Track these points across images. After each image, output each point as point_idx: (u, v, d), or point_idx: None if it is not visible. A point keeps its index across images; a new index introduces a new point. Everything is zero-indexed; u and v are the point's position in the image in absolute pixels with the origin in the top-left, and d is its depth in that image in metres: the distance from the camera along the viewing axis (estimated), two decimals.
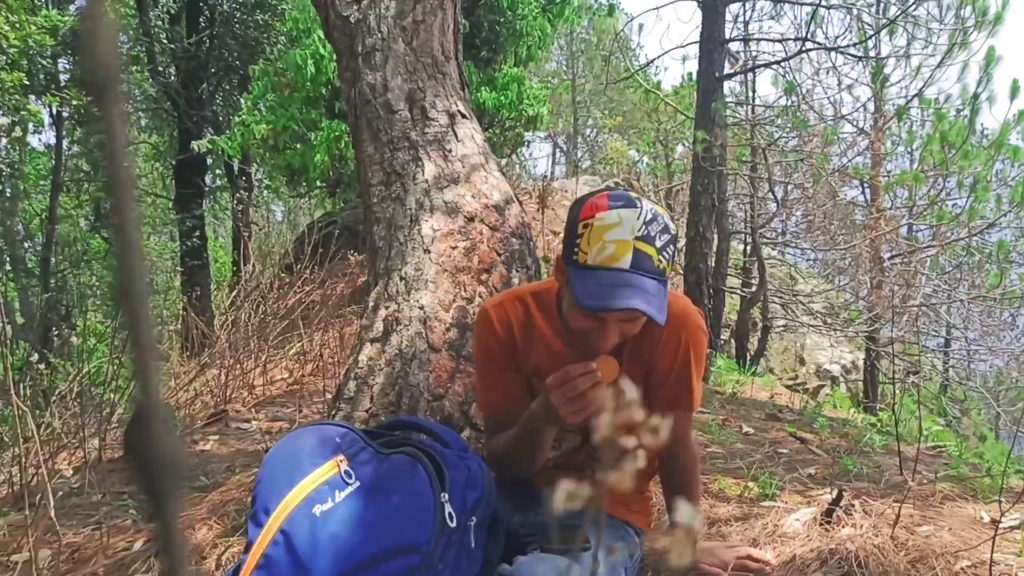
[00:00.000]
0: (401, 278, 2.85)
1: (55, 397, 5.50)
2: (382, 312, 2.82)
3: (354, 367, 2.79)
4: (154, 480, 0.38)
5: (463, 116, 3.25)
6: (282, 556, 1.50)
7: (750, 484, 2.98)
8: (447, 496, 1.60)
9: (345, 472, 1.62)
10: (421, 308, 2.73)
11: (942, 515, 2.60)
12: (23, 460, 3.74)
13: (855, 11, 8.51)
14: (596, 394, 1.55)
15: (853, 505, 2.51)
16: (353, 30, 3.30)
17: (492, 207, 3.06)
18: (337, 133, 8.89)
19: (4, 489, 4.03)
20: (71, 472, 2.82)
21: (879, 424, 4.99)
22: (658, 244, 1.57)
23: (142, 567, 2.43)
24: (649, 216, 1.59)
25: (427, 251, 2.83)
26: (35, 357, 3.07)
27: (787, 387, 9.00)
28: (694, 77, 9.21)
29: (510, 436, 1.81)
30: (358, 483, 1.61)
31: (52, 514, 1.84)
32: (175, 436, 0.37)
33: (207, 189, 14.55)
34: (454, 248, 2.89)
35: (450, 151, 3.11)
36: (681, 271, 8.52)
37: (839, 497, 2.47)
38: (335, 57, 3.73)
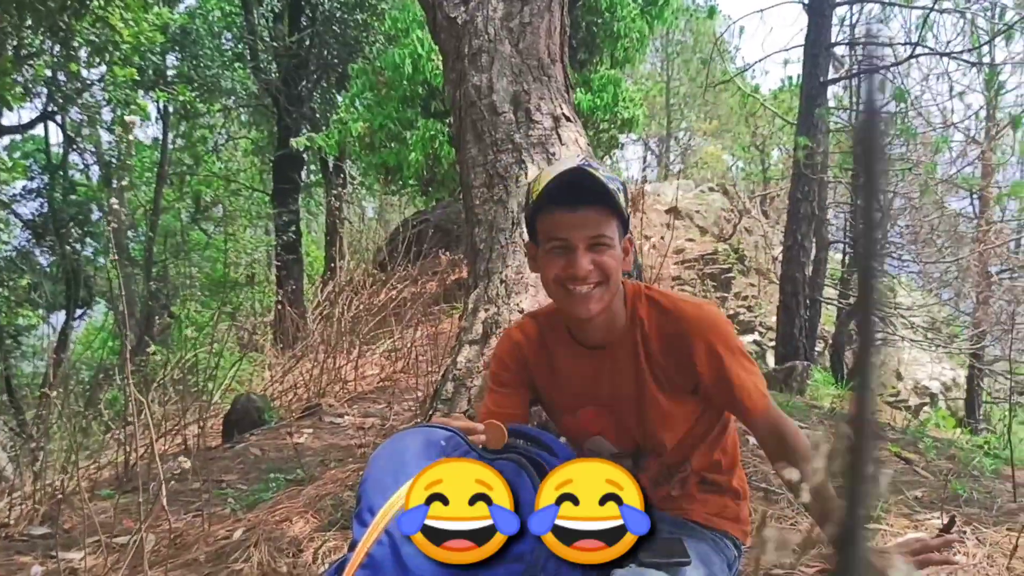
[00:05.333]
0: (501, 281, 2.83)
1: (155, 384, 5.67)
2: (481, 315, 2.81)
3: (452, 368, 2.79)
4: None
5: (567, 119, 3.22)
6: (386, 556, 1.50)
7: None
8: None
9: None
10: (521, 311, 2.70)
11: None
12: (127, 444, 3.87)
13: (969, 16, 8.19)
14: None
15: (964, 532, 2.40)
16: (460, 31, 3.30)
17: None
18: (432, 132, 8.95)
19: (107, 471, 4.19)
20: (186, 461, 2.89)
21: (987, 446, 4.77)
22: (601, 170, 1.63)
23: (241, 556, 2.47)
24: (581, 159, 1.67)
25: None
26: (148, 345, 3.15)
27: (887, 404, 8.70)
28: (795, 81, 8.99)
29: None
30: None
31: (164, 502, 1.88)
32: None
33: (302, 184, 14.86)
34: None
35: (554, 154, 3.09)
36: (777, 280, 8.32)
37: (951, 523, 2.35)
38: (440, 58, 3.74)
